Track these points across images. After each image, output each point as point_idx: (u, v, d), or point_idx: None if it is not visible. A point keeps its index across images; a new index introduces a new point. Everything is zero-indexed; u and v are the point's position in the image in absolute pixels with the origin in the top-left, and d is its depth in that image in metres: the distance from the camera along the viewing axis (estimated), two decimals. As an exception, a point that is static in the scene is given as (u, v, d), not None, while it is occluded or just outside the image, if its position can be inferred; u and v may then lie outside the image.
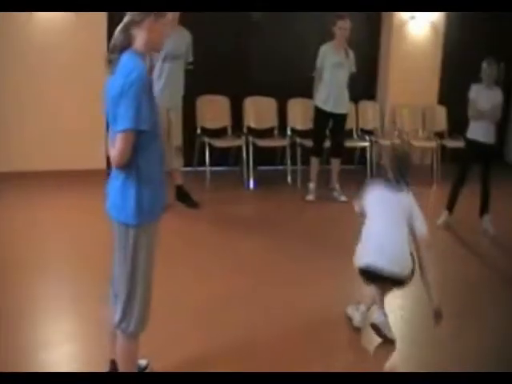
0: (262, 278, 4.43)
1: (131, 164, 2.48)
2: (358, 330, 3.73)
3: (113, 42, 2.52)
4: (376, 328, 3.66)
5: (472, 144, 5.86)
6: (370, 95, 7.99)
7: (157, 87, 5.10)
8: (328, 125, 6.49)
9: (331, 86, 6.32)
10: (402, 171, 3.66)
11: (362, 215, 3.78)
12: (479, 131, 5.78)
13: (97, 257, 4.45)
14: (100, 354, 3.13)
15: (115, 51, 2.51)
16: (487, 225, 5.93)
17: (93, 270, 4.20)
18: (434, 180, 7.79)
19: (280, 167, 7.30)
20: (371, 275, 3.60)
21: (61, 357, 3.25)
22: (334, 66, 6.28)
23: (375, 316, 3.67)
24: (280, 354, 3.45)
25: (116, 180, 2.57)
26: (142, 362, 2.96)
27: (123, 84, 2.40)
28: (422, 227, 3.60)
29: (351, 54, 6.41)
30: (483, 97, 5.73)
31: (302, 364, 3.35)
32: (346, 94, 6.45)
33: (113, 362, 2.86)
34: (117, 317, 2.64)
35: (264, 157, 7.04)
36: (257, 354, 3.42)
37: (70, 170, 6.23)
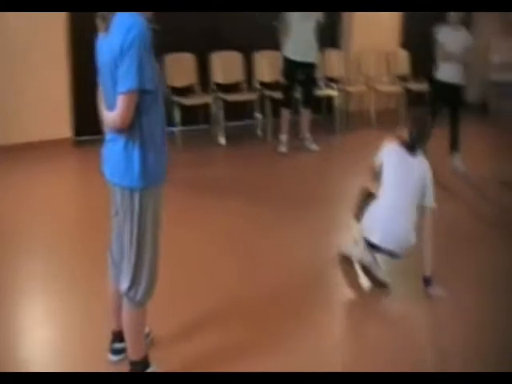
0: (249, 233, 4.52)
1: (134, 126, 2.39)
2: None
3: None
4: (366, 270, 3.79)
5: (440, 85, 6.00)
6: (335, 43, 7.97)
7: None
8: (297, 75, 6.48)
9: (299, 36, 6.29)
10: (419, 136, 3.71)
11: (377, 176, 3.80)
12: (448, 72, 5.92)
13: (74, 232, 4.44)
14: (85, 327, 3.17)
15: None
16: (457, 162, 6.13)
17: (72, 247, 4.16)
18: (399, 123, 7.91)
19: (250, 121, 7.29)
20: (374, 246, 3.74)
21: (41, 338, 3.14)
22: (302, 15, 6.22)
23: (364, 256, 3.79)
24: (286, 295, 3.62)
25: (115, 144, 2.47)
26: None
27: (122, 42, 2.27)
28: (431, 198, 3.69)
29: (318, 3, 6.38)
30: (451, 38, 5.85)
31: (310, 301, 3.54)
32: (314, 43, 6.43)
33: (115, 334, 2.83)
34: (125, 285, 2.56)
35: (233, 112, 7.00)
36: (260, 301, 3.53)
37: (38, 141, 5.99)
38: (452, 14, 5.80)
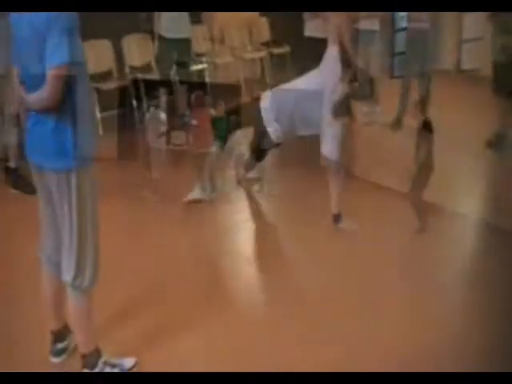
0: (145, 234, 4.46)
1: (64, 103, 2.24)
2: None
3: None
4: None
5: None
6: (197, 19, 7.81)
7: None
8: (172, 53, 6.33)
9: (172, 13, 6.10)
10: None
11: None
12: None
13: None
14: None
15: None
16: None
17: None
18: (266, 87, 8.19)
19: (127, 108, 7.02)
20: None
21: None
22: None
23: None
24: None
25: (44, 125, 2.31)
26: None
27: (48, 14, 2.12)
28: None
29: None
30: None
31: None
32: (186, 18, 6.29)
33: (55, 333, 2.75)
34: (69, 275, 2.47)
35: (108, 101, 6.74)
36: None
37: None
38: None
